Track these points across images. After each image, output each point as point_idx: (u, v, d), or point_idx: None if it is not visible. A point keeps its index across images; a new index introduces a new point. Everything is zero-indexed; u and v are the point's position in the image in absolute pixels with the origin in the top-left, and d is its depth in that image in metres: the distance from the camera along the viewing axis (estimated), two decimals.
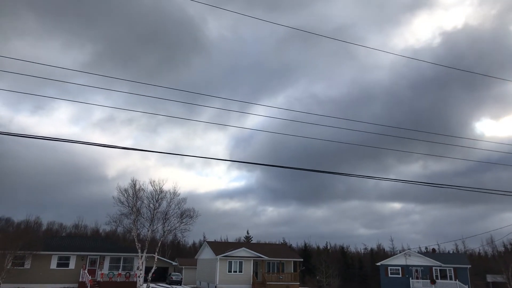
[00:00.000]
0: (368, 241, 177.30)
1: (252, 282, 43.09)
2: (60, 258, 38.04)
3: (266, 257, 44.87)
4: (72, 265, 38.16)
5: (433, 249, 65.20)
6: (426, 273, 49.70)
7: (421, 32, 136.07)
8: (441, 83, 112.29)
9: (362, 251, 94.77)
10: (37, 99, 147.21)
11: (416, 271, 50.18)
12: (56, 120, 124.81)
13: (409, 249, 62.01)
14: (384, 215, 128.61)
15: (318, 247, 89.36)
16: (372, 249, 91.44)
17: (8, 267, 32.61)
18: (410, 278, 49.31)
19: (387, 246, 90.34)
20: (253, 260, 44.43)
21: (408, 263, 50.28)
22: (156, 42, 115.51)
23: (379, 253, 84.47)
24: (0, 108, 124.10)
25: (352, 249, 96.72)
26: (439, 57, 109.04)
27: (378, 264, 53.78)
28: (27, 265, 36.20)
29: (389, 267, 51.65)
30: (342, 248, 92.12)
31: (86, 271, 37.11)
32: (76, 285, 36.58)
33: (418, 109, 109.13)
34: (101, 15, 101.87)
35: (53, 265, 37.64)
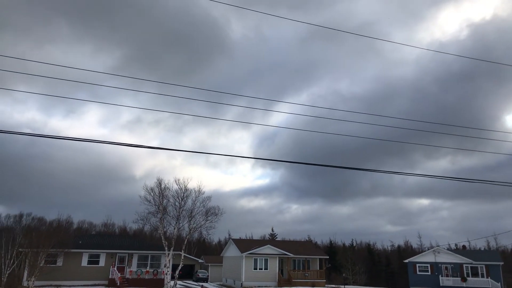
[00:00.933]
0: (395, 238, 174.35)
1: (278, 280, 43.10)
2: (90, 256, 39.09)
3: (291, 255, 44.76)
4: (102, 262, 39.16)
5: (464, 246, 63.47)
6: (457, 270, 48.43)
7: (447, 25, 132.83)
8: (469, 77, 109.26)
9: (389, 248, 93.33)
10: (69, 103, 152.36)
11: (446, 268, 48.95)
12: (86, 123, 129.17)
13: (438, 246, 60.54)
14: (411, 211, 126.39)
15: (343, 244, 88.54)
16: (399, 246, 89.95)
17: (41, 265, 33.73)
18: (440, 276, 48.17)
19: (414, 243, 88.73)
20: (279, 257, 44.42)
21: (438, 260, 49.11)
22: (181, 45, 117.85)
23: (407, 250, 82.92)
24: (35, 112, 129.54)
25: (379, 246, 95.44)
26: (466, 50, 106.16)
27: (406, 261, 52.75)
28: (59, 263, 37.34)
29: (417, 265, 50.58)
30: (368, 245, 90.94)
31: (115, 269, 38.01)
32: (106, 282, 37.52)
33: (446, 103, 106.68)
34: (128, 20, 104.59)
35: (84, 262, 38.72)
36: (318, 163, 14.19)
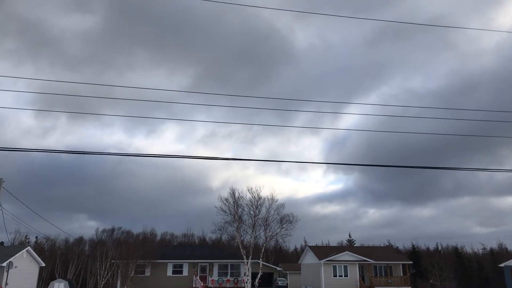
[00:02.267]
0: (486, 240, 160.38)
1: (360, 286, 41.76)
2: (174, 266, 41.10)
3: (371, 261, 43.17)
4: (185, 272, 40.96)
5: None
6: None
7: None
8: None
9: (480, 251, 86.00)
10: (149, 123, 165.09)
11: None
12: (165, 140, 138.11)
13: None
14: (502, 210, 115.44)
15: (427, 249, 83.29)
16: (492, 249, 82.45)
17: (131, 275, 36.19)
18: None
19: (510, 245, 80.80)
20: (358, 264, 43.07)
21: None
22: (249, 59, 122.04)
23: (501, 253, 75.76)
24: (121, 134, 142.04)
25: (468, 249, 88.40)
26: None
27: (502, 265, 48.18)
28: (147, 273, 39.77)
29: None
30: (455, 248, 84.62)
31: (198, 278, 39.53)
32: None
33: None
34: (198, 40, 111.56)
35: (169, 272, 40.80)
36: (392, 165, 13.63)
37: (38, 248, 57.09)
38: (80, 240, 70.63)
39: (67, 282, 40.31)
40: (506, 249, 79.40)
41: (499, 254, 75.91)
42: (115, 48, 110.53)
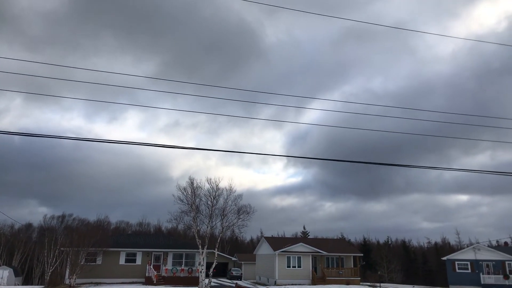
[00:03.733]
0: (432, 235, 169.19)
1: (312, 277, 42.86)
2: (127, 255, 40.23)
3: (324, 252, 44.40)
4: (138, 261, 40.22)
5: (505, 243, 60.86)
6: (499, 268, 46.49)
7: (484, 18, 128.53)
8: (508, 70, 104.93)
9: (426, 245, 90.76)
10: (112, 110, 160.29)
11: (487, 266, 47.10)
12: (127, 128, 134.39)
13: (478, 242, 58.40)
14: (448, 207, 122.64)
15: (378, 242, 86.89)
16: (436, 243, 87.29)
17: (82, 263, 35.06)
18: (481, 274, 46.41)
19: (452, 240, 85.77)
20: (312, 255, 44.16)
21: (478, 258, 47.32)
22: (217, 50, 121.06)
23: (444, 247, 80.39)
24: (81, 120, 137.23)
25: (415, 243, 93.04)
26: (505, 43, 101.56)
27: (444, 258, 51.15)
28: (99, 261, 38.67)
29: (456, 262, 48.95)
30: (403, 242, 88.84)
31: (151, 267, 38.96)
32: (143, 280, 38.52)
33: (484, 98, 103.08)
34: (166, 29, 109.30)
35: (122, 261, 39.89)
36: (350, 160, 13.99)
37: None
38: (28, 227, 67.54)
39: (11, 269, 38.47)
40: (449, 243, 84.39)
41: (442, 248, 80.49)
42: (80, 30, 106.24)
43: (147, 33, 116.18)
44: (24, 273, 52.68)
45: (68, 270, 36.53)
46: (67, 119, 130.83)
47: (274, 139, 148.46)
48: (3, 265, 48.24)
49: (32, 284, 48.10)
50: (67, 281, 36.00)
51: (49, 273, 38.96)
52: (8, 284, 37.07)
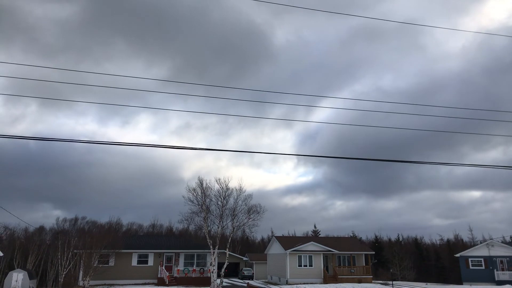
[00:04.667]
0: (444, 231, 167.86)
1: (323, 276, 42.75)
2: (139, 256, 40.55)
3: (335, 251, 44.25)
4: (150, 262, 40.51)
5: None
6: None
7: (494, 13, 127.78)
8: None
9: (438, 242, 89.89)
10: (124, 114, 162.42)
11: (501, 262, 46.51)
12: (139, 131, 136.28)
13: (492, 239, 57.67)
14: (460, 204, 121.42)
15: (389, 240, 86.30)
16: (449, 240, 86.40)
17: (95, 265, 35.42)
18: (495, 270, 45.87)
19: (465, 237, 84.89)
20: (323, 254, 44.04)
21: (492, 254, 46.76)
22: (227, 53, 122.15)
23: (457, 244, 79.51)
24: (95, 125, 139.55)
25: (427, 240, 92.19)
26: None
27: (457, 255, 50.63)
28: (111, 263, 39.03)
29: (469, 259, 48.42)
30: (415, 239, 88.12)
31: (163, 268, 39.21)
32: (155, 280, 38.79)
33: (495, 94, 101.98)
34: (177, 33, 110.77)
35: (134, 262, 40.22)
36: (361, 157, 13.96)
37: None
38: (41, 230, 68.36)
39: (26, 273, 38.95)
40: (462, 240, 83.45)
41: (455, 245, 79.59)
42: (93, 37, 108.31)
43: (157, 38, 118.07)
44: (38, 275, 53.34)
45: (81, 272, 36.95)
46: (81, 124, 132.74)
47: (285, 139, 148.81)
48: (17, 268, 48.94)
49: (46, 287, 48.74)
50: (80, 283, 36.41)
51: (63, 276, 39.40)
52: (23, 287, 37.63)
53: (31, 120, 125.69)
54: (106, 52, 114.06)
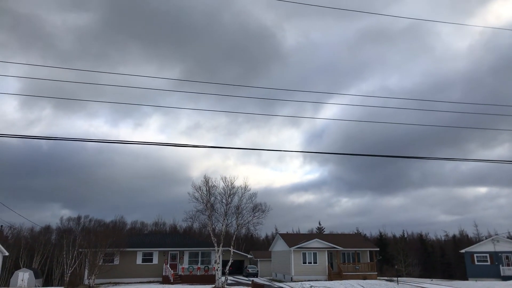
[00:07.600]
0: (449, 228, 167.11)
1: (328, 273, 42.70)
2: (144, 254, 40.65)
3: (340, 248, 44.17)
4: (155, 260, 40.61)
5: None
6: None
7: (501, 11, 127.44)
8: None
9: (443, 238, 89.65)
10: (137, 117, 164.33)
11: (507, 257, 46.28)
12: (150, 132, 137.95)
13: (497, 234, 57.38)
14: (466, 200, 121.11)
15: (394, 236, 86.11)
16: (454, 236, 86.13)
17: (100, 264, 35.53)
18: (500, 266, 45.65)
19: (470, 232, 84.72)
20: (327, 251, 43.98)
21: (497, 250, 46.54)
22: (238, 56, 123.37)
23: (462, 240, 79.28)
24: (108, 126, 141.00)
25: (432, 236, 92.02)
26: None
27: (463, 251, 50.42)
28: (116, 262, 39.15)
29: (475, 254, 48.21)
30: (420, 235, 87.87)
31: (168, 266, 39.29)
32: (160, 279, 38.87)
33: (502, 92, 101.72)
34: (188, 37, 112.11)
35: (139, 260, 40.33)
36: (366, 154, 13.85)
37: (1, 237, 55.15)
38: (47, 229, 68.74)
39: (32, 272, 39.17)
40: (467, 236, 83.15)
41: (460, 241, 79.37)
42: (108, 44, 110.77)
43: (169, 42, 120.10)
44: (44, 274, 53.66)
45: (87, 270, 37.08)
46: (94, 126, 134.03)
47: (292, 138, 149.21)
48: (23, 267, 49.22)
49: (52, 285, 48.96)
50: (86, 282, 36.55)
51: (69, 274, 39.55)
52: (29, 286, 37.82)
53: (45, 123, 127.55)
54: (121, 57, 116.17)
